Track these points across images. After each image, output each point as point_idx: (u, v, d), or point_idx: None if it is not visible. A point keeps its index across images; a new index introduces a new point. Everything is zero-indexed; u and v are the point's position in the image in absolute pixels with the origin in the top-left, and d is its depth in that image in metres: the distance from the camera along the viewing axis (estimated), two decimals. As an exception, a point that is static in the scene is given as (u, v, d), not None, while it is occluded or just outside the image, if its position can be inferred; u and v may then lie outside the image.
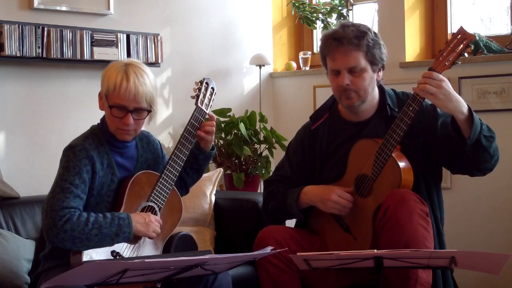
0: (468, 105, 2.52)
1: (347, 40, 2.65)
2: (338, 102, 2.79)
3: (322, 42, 2.77)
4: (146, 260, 2.03)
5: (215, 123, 2.75)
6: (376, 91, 2.77)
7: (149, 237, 2.57)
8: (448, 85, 2.49)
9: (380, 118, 2.75)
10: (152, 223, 2.54)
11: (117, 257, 2.51)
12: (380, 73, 2.75)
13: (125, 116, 2.53)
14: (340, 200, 2.65)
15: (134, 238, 2.53)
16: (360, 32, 2.67)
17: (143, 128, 2.68)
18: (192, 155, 2.75)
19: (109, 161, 2.59)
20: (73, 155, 2.51)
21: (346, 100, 2.71)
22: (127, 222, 2.49)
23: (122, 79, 2.51)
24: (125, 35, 3.96)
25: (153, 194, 2.60)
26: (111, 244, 2.49)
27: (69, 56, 3.73)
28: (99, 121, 2.66)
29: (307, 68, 4.79)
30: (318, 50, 2.85)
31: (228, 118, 4.43)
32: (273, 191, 2.88)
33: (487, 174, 2.67)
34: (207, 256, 2.11)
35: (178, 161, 2.63)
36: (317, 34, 4.98)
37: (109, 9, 4.01)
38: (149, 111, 2.58)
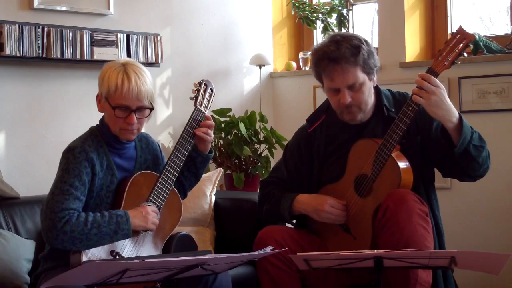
0: (459, 114, 2.53)
1: (344, 60, 2.61)
2: (339, 116, 2.76)
3: (316, 60, 2.71)
4: (146, 260, 2.03)
5: (213, 124, 2.76)
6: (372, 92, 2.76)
7: (149, 230, 2.56)
8: (442, 93, 2.49)
9: (377, 120, 2.75)
10: (149, 215, 2.54)
11: (117, 257, 2.51)
12: (375, 78, 2.73)
13: (129, 115, 2.54)
14: (334, 210, 2.66)
15: (134, 233, 2.53)
16: (355, 47, 2.62)
17: (142, 130, 2.68)
18: (190, 158, 2.76)
19: (109, 163, 2.59)
20: (72, 157, 2.51)
21: (348, 115, 2.70)
22: (125, 219, 2.49)
23: (124, 79, 2.52)
24: (125, 35, 3.96)
25: (152, 194, 2.60)
26: (111, 242, 2.49)
27: (69, 56, 3.73)
28: (98, 122, 2.66)
29: (307, 68, 4.79)
30: (311, 65, 2.74)
31: (228, 118, 4.43)
32: (269, 194, 2.88)
33: (477, 180, 2.69)
34: (207, 256, 2.11)
35: (177, 161, 2.64)
36: (317, 34, 4.97)
37: (109, 9, 4.00)
38: (152, 109, 2.59)
